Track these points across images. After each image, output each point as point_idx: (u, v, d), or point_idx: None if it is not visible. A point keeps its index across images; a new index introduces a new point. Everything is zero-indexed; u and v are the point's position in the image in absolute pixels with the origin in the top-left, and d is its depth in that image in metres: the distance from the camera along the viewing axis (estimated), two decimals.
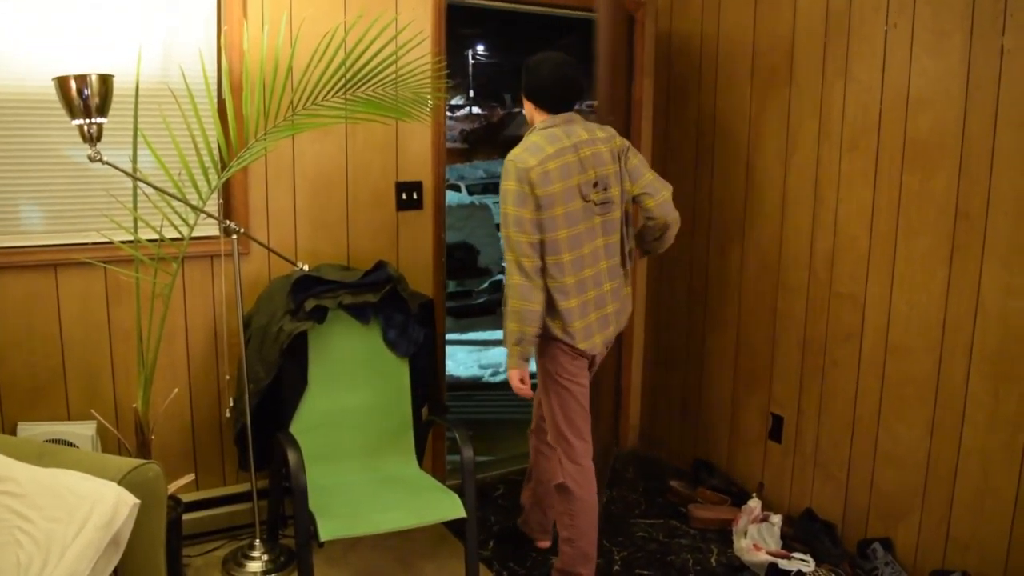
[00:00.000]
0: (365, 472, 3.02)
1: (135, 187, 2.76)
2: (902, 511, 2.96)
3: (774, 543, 3.15)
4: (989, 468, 2.66)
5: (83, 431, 2.85)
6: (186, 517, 2.97)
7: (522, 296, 2.58)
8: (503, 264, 2.85)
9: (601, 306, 2.73)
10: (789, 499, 3.43)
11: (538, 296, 2.60)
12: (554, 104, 2.69)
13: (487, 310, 7.27)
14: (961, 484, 2.75)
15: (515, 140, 2.75)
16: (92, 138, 2.48)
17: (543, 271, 2.62)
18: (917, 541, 2.90)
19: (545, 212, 2.57)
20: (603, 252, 2.72)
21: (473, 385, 5.53)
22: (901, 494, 2.95)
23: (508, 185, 2.58)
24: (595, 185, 2.65)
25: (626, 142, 2.77)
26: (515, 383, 2.71)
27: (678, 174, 3.72)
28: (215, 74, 2.99)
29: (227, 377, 3.18)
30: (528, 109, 2.75)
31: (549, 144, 2.61)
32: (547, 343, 2.73)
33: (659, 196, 2.75)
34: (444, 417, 3.32)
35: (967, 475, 2.73)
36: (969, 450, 2.72)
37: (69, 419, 2.93)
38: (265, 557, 3.02)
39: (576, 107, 2.76)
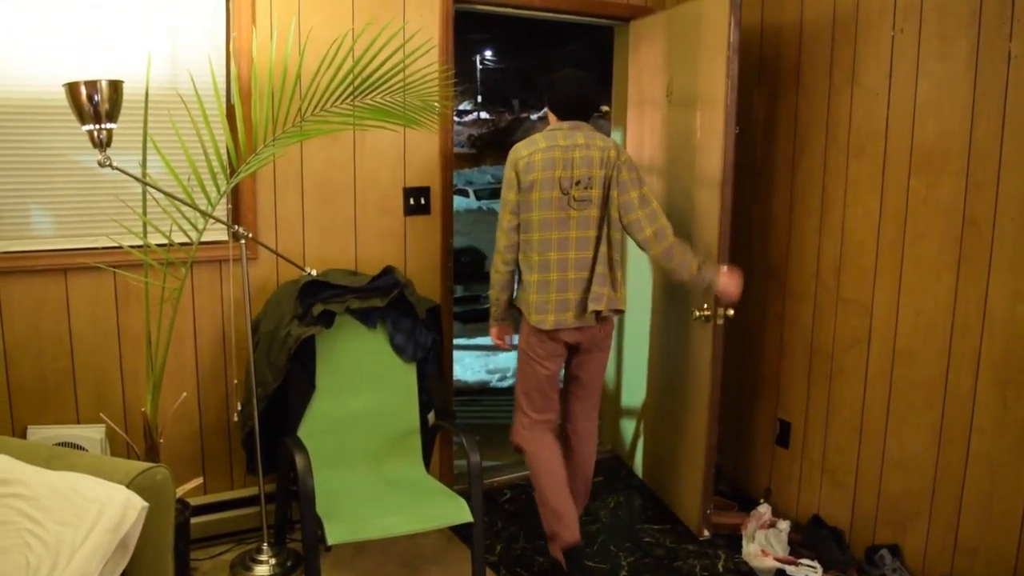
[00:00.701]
0: (372, 476, 3.02)
1: (144, 192, 2.78)
2: (910, 517, 2.94)
3: (781, 549, 3.15)
4: (997, 474, 2.65)
5: (92, 434, 2.87)
6: (194, 520, 2.99)
7: (496, 265, 3.05)
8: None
9: (563, 290, 2.97)
10: (797, 505, 3.43)
11: (505, 267, 3.03)
12: (564, 114, 3.02)
13: None
14: (969, 490, 2.74)
15: None
16: (102, 143, 2.49)
17: (515, 247, 3.00)
18: (925, 547, 2.89)
19: (524, 195, 2.94)
20: (573, 243, 2.95)
21: (480, 390, 5.54)
22: (909, 500, 2.95)
23: (505, 171, 2.99)
24: (577, 183, 2.93)
25: (623, 156, 2.97)
26: (494, 338, 3.22)
27: None
28: (224, 80, 3.02)
29: (235, 381, 3.19)
30: (549, 114, 3.09)
31: (544, 141, 2.96)
32: (522, 320, 3.08)
33: (631, 215, 2.96)
34: (451, 422, 3.33)
35: (975, 481, 2.72)
36: (977, 456, 2.71)
37: (78, 422, 2.95)
38: (273, 561, 3.02)
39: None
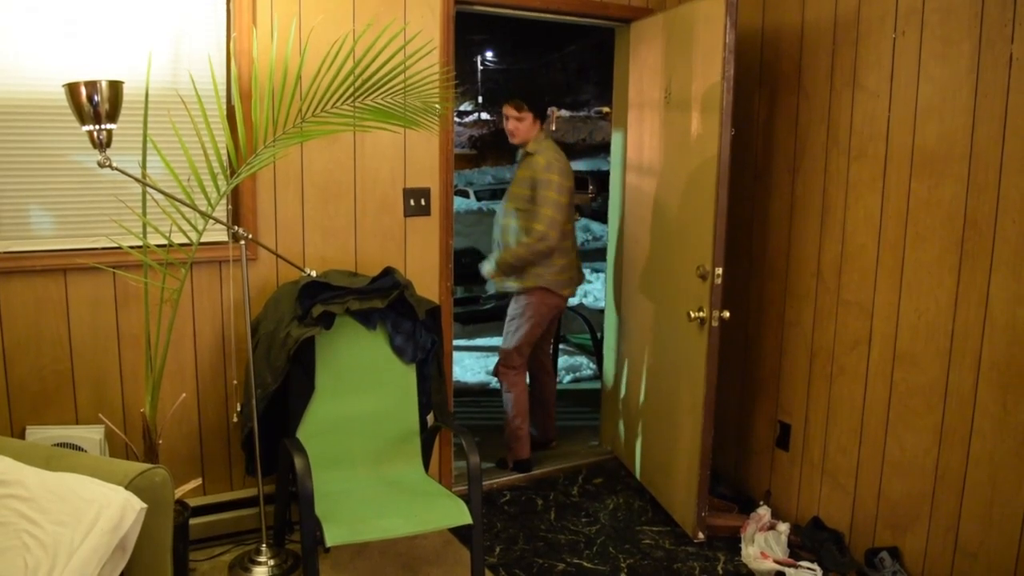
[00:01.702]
0: (371, 478, 3.02)
1: (144, 192, 2.78)
2: (910, 520, 2.94)
3: (781, 551, 3.14)
4: (997, 477, 2.65)
5: (91, 435, 2.87)
6: (193, 521, 2.98)
7: (548, 244, 3.73)
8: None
9: (572, 268, 3.94)
10: (797, 507, 3.42)
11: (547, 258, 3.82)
12: (542, 120, 3.89)
13: (494, 316, 7.24)
14: (969, 493, 2.74)
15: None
16: (102, 144, 2.49)
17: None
18: (925, 550, 2.89)
19: (564, 198, 3.78)
20: (570, 232, 3.91)
21: (480, 391, 5.53)
22: (909, 503, 2.94)
23: (553, 177, 3.72)
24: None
25: None
26: (494, 278, 3.99)
27: None
28: (224, 80, 3.01)
29: (234, 382, 3.19)
30: (533, 124, 3.84)
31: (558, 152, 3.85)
32: (535, 292, 3.85)
33: None
34: (451, 423, 3.32)
35: (975, 484, 2.72)
36: (977, 458, 2.71)
37: (77, 423, 2.94)
38: (272, 562, 3.02)
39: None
